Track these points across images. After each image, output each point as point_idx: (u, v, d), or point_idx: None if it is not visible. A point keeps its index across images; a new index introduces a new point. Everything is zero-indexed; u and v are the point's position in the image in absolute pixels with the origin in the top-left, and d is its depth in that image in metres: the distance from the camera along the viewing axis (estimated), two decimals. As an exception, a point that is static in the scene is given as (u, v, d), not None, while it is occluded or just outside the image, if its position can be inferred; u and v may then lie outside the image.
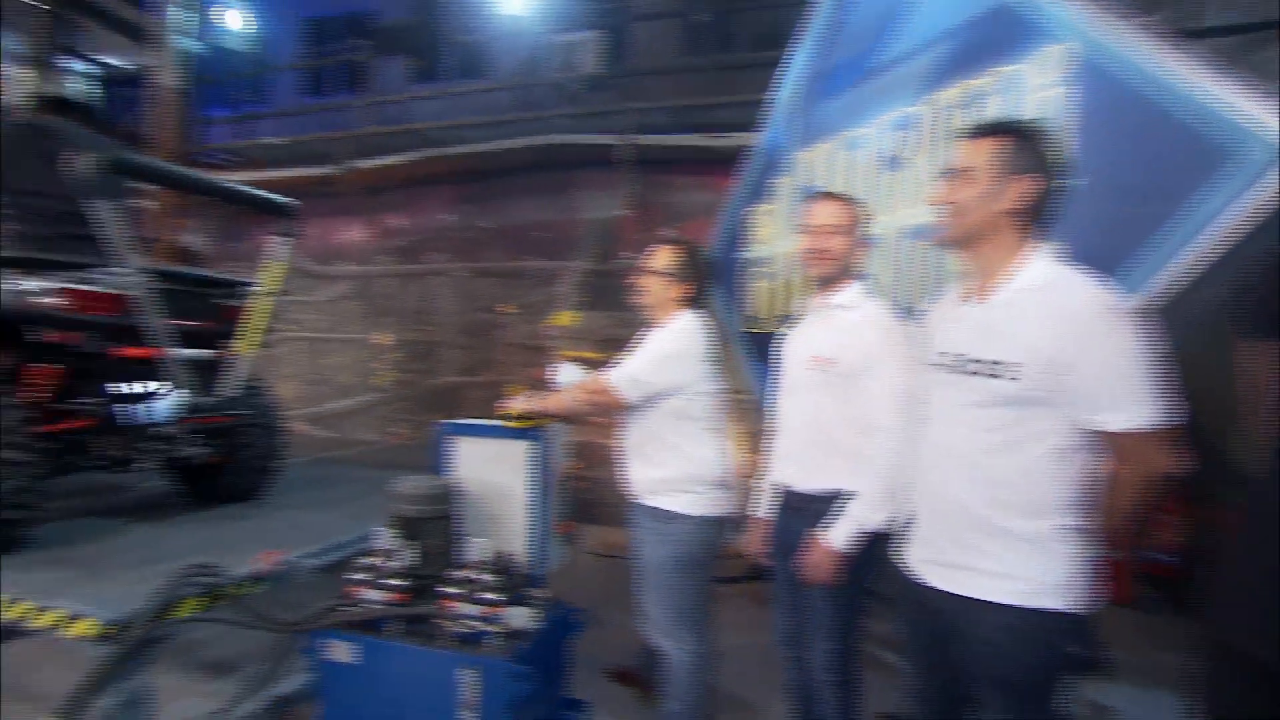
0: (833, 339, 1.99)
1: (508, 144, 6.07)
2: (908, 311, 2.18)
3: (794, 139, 3.69)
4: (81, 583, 2.21)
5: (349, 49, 7.10)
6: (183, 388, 2.70)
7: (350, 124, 6.76)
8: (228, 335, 2.99)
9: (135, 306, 2.52)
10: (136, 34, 7.05)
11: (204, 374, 3.09)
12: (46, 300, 2.41)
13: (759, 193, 3.92)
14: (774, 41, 6.26)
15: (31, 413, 2.73)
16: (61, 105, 3.02)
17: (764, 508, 2.26)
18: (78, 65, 3.08)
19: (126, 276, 2.51)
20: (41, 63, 2.98)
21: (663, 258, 2.33)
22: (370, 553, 2.19)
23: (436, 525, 2.27)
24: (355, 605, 2.12)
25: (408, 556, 2.21)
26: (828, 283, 2.04)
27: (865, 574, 1.97)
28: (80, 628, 1.98)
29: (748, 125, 5.19)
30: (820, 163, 3.39)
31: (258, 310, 3.00)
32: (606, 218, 6.05)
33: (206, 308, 2.98)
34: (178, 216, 7.06)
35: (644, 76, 6.36)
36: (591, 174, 6.07)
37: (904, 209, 2.81)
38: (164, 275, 2.90)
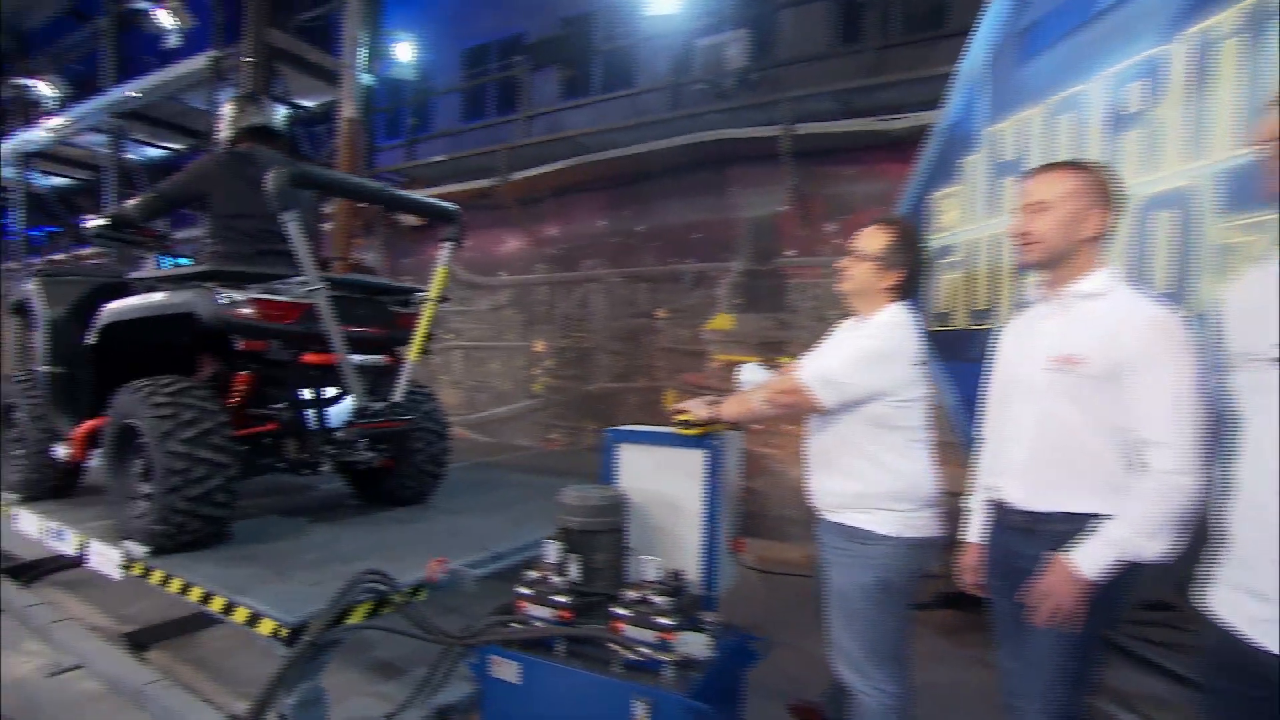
0: (1079, 334, 1.62)
1: (659, 145, 5.96)
2: (1163, 298, 1.74)
3: (985, 110, 3.23)
4: (268, 580, 2.29)
5: (504, 67, 7.40)
6: (357, 393, 2.77)
7: (507, 139, 6.99)
8: (400, 342, 3.07)
9: (316, 314, 2.63)
10: (328, 76, 7.77)
11: (377, 380, 3.20)
12: (240, 310, 2.55)
13: (943, 174, 3.49)
14: (934, 16, 5.74)
15: (231, 417, 2.95)
16: (263, 134, 3.27)
17: (976, 529, 1.92)
18: (280, 109, 3.32)
19: (309, 286, 2.61)
20: (247, 98, 3.21)
21: (873, 240, 2.05)
22: (536, 565, 2.09)
23: (604, 539, 2.12)
24: (521, 621, 2.02)
25: (574, 571, 2.08)
26: (1058, 268, 1.68)
27: (1110, 612, 1.60)
28: (265, 627, 2.02)
29: (916, 105, 4.74)
30: (1019, 133, 2.93)
31: (425, 316, 3.06)
32: (765, 215, 5.77)
33: (380, 315, 3.07)
34: (354, 237, 7.68)
35: (798, 65, 6.02)
36: (747, 170, 5.81)
37: (1141, 174, 2.31)
38: (341, 284, 3.02)
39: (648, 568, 2.01)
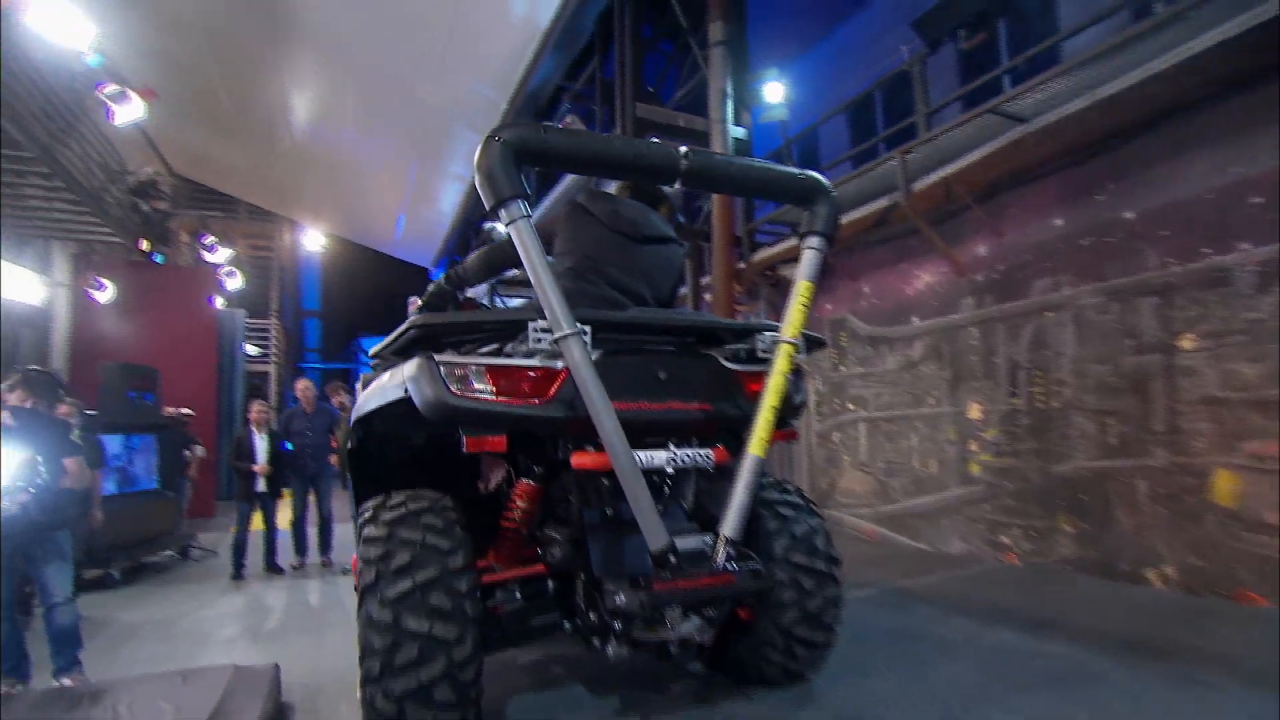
0: None
1: (1152, 69, 3.75)
2: None
3: None
4: None
5: (893, 65, 6.00)
6: (648, 523, 1.59)
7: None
8: (739, 421, 1.84)
9: (584, 385, 1.57)
10: (699, 139, 7.47)
11: (703, 490, 1.99)
12: (469, 388, 1.63)
13: None
14: None
15: (468, 560, 2.00)
16: (637, 188, 2.53)
17: None
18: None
19: (555, 333, 1.58)
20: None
21: None
22: None
23: None
24: None
25: None
26: None
27: None
28: None
29: None
30: None
31: (777, 371, 1.78)
32: None
33: (699, 377, 1.87)
34: (735, 302, 6.93)
35: None
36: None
37: None
38: (625, 328, 1.94)
39: None
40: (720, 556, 1.64)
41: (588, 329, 1.60)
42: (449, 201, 16.12)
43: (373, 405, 2.02)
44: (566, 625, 1.93)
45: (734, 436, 1.82)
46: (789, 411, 1.87)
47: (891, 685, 2.09)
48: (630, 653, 1.74)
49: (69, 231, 9.76)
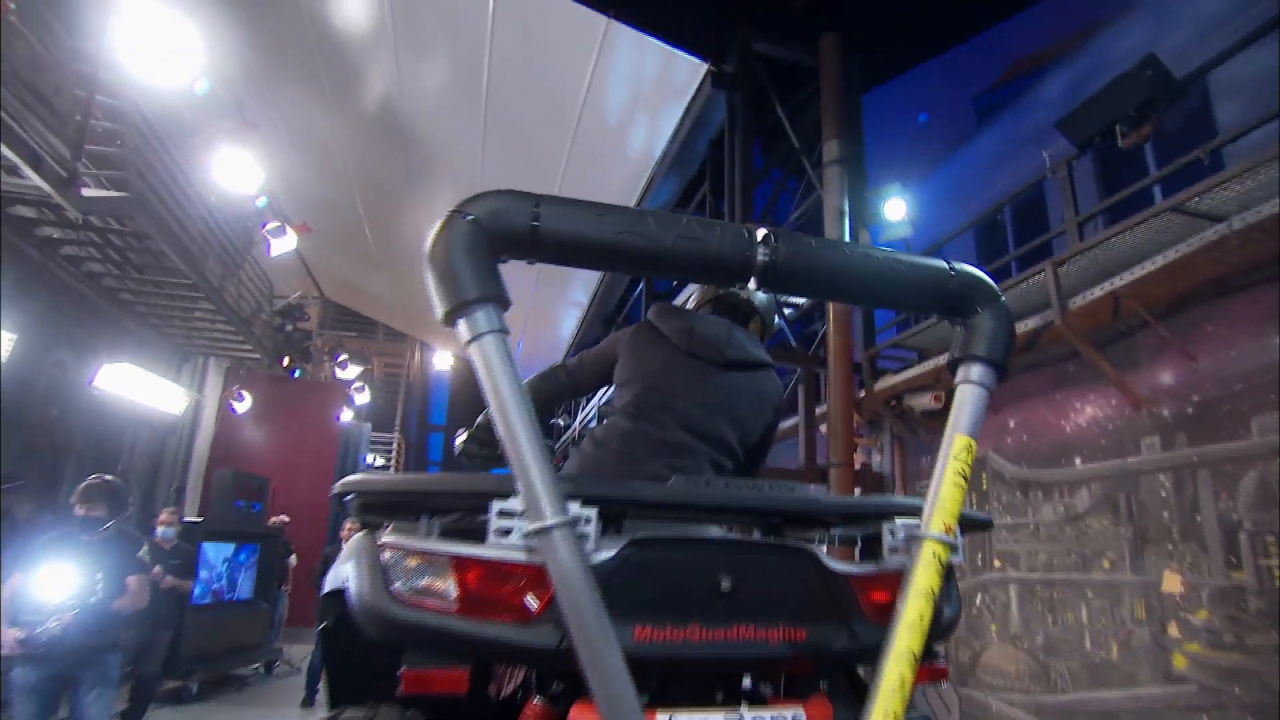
0: None
1: None
2: None
3: None
4: None
5: (1032, 172, 5.39)
6: None
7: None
8: (854, 652, 1.17)
9: (573, 606, 0.99)
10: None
11: None
12: (415, 590, 1.08)
13: None
14: None
15: None
16: (725, 305, 2.09)
17: None
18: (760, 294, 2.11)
19: (537, 521, 0.98)
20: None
21: None
22: None
23: None
24: None
25: None
26: None
27: None
28: None
29: None
30: None
31: (922, 582, 1.10)
32: None
33: (796, 586, 1.20)
34: (855, 435, 6.15)
35: None
36: None
37: None
38: (665, 508, 1.28)
39: None
40: None
41: (591, 514, 1.03)
42: (566, 327, 16.53)
43: (329, 586, 1.51)
44: None
45: (848, 675, 1.16)
46: (935, 635, 1.18)
47: None
48: None
49: (225, 349, 10.65)
